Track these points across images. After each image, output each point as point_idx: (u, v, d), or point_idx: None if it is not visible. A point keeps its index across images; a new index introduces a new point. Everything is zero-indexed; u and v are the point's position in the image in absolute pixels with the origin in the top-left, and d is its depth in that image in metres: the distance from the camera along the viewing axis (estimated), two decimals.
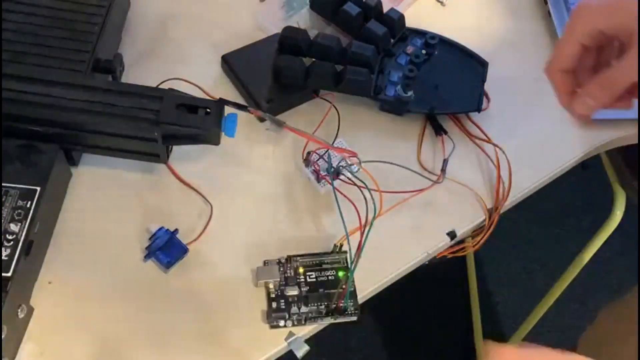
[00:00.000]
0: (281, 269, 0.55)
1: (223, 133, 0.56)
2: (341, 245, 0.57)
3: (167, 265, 0.54)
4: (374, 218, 0.53)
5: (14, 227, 0.49)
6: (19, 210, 0.50)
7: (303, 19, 0.74)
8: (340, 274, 0.55)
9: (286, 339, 0.52)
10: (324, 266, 0.56)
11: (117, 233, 0.57)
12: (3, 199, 0.50)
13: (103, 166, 0.60)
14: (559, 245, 1.49)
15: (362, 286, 0.56)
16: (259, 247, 0.57)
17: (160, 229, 0.55)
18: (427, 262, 0.61)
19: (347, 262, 0.56)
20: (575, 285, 1.19)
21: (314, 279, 0.55)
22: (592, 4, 0.51)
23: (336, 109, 0.65)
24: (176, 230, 0.55)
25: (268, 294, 0.54)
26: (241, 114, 0.57)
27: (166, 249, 0.54)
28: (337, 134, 0.64)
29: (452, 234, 0.61)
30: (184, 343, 0.52)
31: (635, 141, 0.72)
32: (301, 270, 0.55)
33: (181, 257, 0.55)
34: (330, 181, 0.59)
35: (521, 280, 1.45)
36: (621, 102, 0.53)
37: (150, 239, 0.55)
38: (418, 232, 0.61)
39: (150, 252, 0.54)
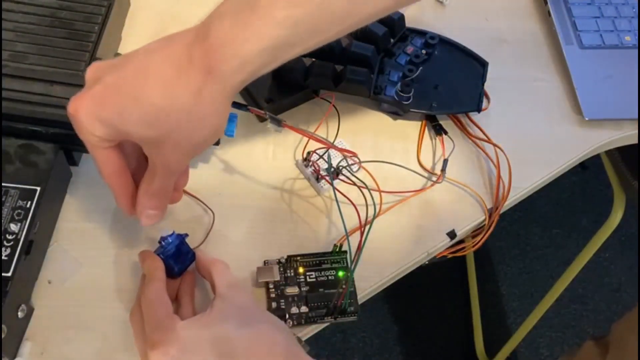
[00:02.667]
0: (281, 269, 0.55)
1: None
2: (341, 245, 0.57)
3: (177, 274, 0.53)
4: (374, 218, 0.53)
5: (14, 227, 0.49)
6: (19, 210, 0.50)
7: None
8: (340, 274, 0.55)
9: None
10: (324, 266, 0.56)
11: (117, 233, 0.57)
12: (3, 199, 0.50)
13: None
14: (559, 245, 1.50)
15: (362, 286, 0.56)
16: (259, 247, 0.57)
17: (171, 233, 0.52)
18: (427, 262, 0.61)
19: (347, 262, 0.56)
20: (575, 285, 1.20)
21: (314, 279, 0.55)
22: (84, 106, 0.43)
23: (336, 109, 0.65)
24: (186, 235, 0.54)
25: (268, 294, 0.54)
26: (241, 114, 0.57)
27: (177, 256, 0.52)
28: (337, 134, 0.64)
29: (452, 234, 0.61)
30: None
31: (635, 141, 0.72)
32: (301, 270, 0.55)
33: (190, 265, 0.54)
34: (330, 181, 0.59)
35: (521, 280, 1.45)
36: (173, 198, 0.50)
37: (160, 242, 0.52)
38: (418, 232, 0.61)
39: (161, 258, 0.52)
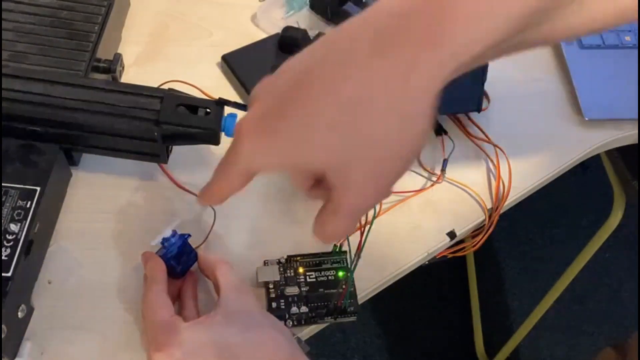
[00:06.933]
0: (281, 269, 0.55)
1: (223, 133, 0.56)
2: (341, 245, 0.57)
3: (180, 274, 0.53)
4: (374, 218, 0.53)
5: (14, 227, 0.49)
6: (19, 210, 0.50)
7: (303, 19, 0.74)
8: (340, 274, 0.55)
9: None
10: (324, 266, 0.56)
11: (117, 233, 0.57)
12: (3, 199, 0.50)
13: (103, 166, 0.59)
14: (559, 245, 1.50)
15: (362, 286, 0.56)
16: (259, 247, 0.57)
17: (173, 234, 0.52)
18: (427, 262, 0.61)
19: (347, 262, 0.56)
20: (575, 285, 1.19)
21: (314, 279, 0.55)
22: (251, 137, 0.34)
23: None
24: (188, 235, 0.53)
25: (268, 294, 0.54)
26: (241, 114, 0.57)
27: (179, 257, 0.52)
28: None
29: (452, 234, 0.61)
30: None
31: (635, 141, 0.72)
32: (301, 270, 0.55)
33: (192, 265, 0.54)
34: None
35: (521, 280, 1.45)
36: None
37: (162, 243, 0.52)
38: (418, 232, 0.61)
39: (164, 260, 0.52)
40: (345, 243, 0.55)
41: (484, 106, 0.67)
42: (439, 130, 0.66)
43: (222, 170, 0.39)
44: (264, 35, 0.71)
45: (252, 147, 0.34)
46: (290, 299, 0.54)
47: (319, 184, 0.37)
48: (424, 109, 0.31)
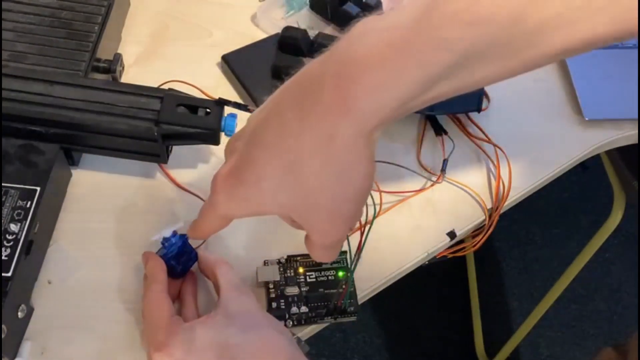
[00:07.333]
0: (281, 269, 0.55)
1: (223, 133, 0.56)
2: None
3: (180, 274, 0.53)
4: (374, 218, 0.53)
5: (14, 227, 0.49)
6: (19, 210, 0.50)
7: (303, 19, 0.74)
8: (340, 274, 0.55)
9: None
10: (324, 266, 0.56)
11: (117, 233, 0.57)
12: (3, 199, 0.50)
13: (103, 166, 0.60)
14: (559, 245, 1.50)
15: (362, 286, 0.56)
16: (259, 247, 0.57)
17: (173, 234, 0.52)
18: (427, 262, 0.61)
19: (347, 262, 0.56)
20: (575, 285, 1.20)
21: (314, 279, 0.55)
22: (223, 191, 0.40)
23: None
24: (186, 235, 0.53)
25: (268, 294, 0.54)
26: (241, 114, 0.56)
27: (179, 257, 0.52)
28: None
29: (452, 234, 0.61)
30: None
31: (635, 141, 0.72)
32: (301, 270, 0.55)
33: (193, 265, 0.54)
34: None
35: (521, 280, 1.45)
36: None
37: (162, 243, 0.52)
38: (418, 232, 0.61)
39: (164, 259, 0.52)
40: (345, 243, 0.55)
41: (484, 106, 0.67)
42: (439, 130, 0.66)
43: (204, 213, 0.44)
44: (264, 35, 0.71)
45: (224, 199, 0.40)
46: (290, 299, 0.54)
47: None
48: (356, 158, 0.34)
